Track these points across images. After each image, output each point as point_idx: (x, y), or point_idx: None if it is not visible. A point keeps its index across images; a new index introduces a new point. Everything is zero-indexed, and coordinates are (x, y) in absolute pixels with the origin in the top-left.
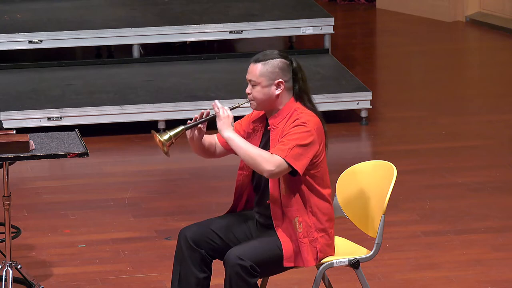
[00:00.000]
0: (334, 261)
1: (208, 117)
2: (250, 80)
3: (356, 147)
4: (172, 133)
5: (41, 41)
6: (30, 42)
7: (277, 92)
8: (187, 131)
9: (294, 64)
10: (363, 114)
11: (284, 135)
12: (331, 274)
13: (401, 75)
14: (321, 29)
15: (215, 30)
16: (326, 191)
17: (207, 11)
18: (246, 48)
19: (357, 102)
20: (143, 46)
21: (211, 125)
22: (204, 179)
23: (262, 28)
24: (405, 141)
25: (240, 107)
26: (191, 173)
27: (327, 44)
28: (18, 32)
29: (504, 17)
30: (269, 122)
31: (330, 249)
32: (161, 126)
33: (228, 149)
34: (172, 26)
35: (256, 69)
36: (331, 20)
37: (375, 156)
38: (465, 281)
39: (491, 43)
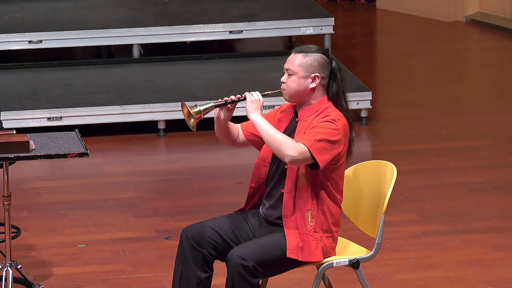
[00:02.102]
0: (334, 261)
1: (239, 99)
2: (287, 69)
3: (356, 147)
4: (202, 107)
5: (41, 41)
6: (30, 42)
7: (312, 85)
8: (215, 109)
9: (334, 64)
10: (363, 114)
11: (312, 128)
12: (331, 274)
13: (401, 75)
14: (321, 29)
15: (215, 30)
16: (339, 196)
17: (207, 11)
18: (246, 48)
19: (357, 102)
20: (143, 46)
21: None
22: (204, 179)
23: (262, 28)
24: (405, 141)
25: (271, 95)
26: (191, 173)
27: (327, 44)
28: (18, 32)
29: (504, 17)
30: (299, 114)
31: (332, 251)
32: (161, 126)
33: (250, 139)
34: (172, 26)
35: (296, 59)
36: (331, 20)
37: (375, 156)
38: (465, 281)
39: (491, 43)
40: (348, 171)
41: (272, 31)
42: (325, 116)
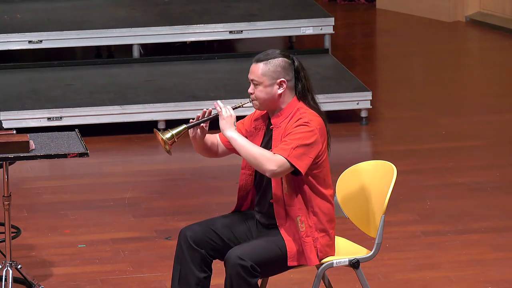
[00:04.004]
0: (334, 261)
1: (210, 116)
2: (252, 80)
3: (356, 147)
4: (174, 131)
5: (41, 41)
6: (30, 42)
7: (280, 91)
8: (189, 130)
9: (296, 63)
10: (363, 114)
11: (287, 134)
12: (331, 274)
13: (401, 75)
14: (321, 29)
15: (215, 30)
16: (328, 192)
17: (207, 11)
18: (246, 48)
19: (357, 102)
20: (143, 46)
21: (214, 125)
22: (204, 179)
23: (262, 28)
24: (405, 141)
25: (242, 107)
26: (191, 173)
27: (327, 44)
28: (18, 32)
29: (504, 17)
30: (272, 121)
31: (330, 250)
32: (161, 126)
33: (230, 148)
34: (172, 26)
35: (258, 69)
36: (331, 20)
37: (375, 156)
38: (465, 281)
39: (491, 43)
40: (348, 171)
41: (272, 31)
42: (298, 120)
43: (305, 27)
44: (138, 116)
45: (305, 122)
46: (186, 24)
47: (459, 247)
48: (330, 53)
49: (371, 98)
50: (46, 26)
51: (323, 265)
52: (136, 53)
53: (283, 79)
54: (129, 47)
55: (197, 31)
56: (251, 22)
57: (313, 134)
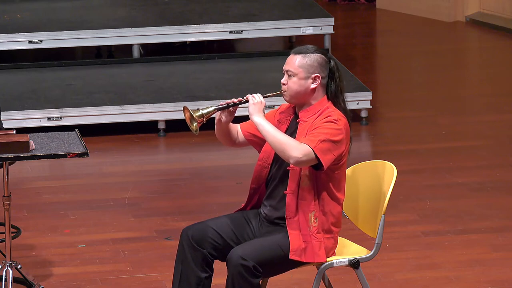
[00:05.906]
0: (334, 261)
1: (241, 102)
2: (287, 71)
3: (356, 147)
4: (204, 111)
5: (41, 41)
6: (30, 42)
7: (313, 86)
8: (217, 112)
9: (332, 63)
10: (363, 114)
11: (315, 128)
12: (331, 274)
13: (401, 75)
14: (321, 29)
15: (215, 30)
16: (340, 196)
17: (207, 11)
18: (246, 48)
19: (357, 102)
20: (143, 46)
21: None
22: (204, 179)
23: (262, 28)
24: (405, 141)
25: (272, 97)
26: (191, 173)
27: (327, 44)
28: (18, 32)
29: (504, 17)
30: (299, 115)
31: (332, 253)
32: (161, 126)
33: (249, 140)
34: (172, 26)
35: (296, 60)
36: (331, 20)
37: (375, 156)
38: (465, 281)
39: (491, 43)
40: (348, 171)
41: (272, 31)
42: (326, 117)
43: (305, 27)
44: (138, 116)
45: (334, 119)
46: (186, 24)
47: (459, 247)
48: (330, 53)
49: (371, 98)
50: (46, 26)
51: (323, 265)
52: (136, 53)
53: (318, 74)
54: (129, 47)
55: (197, 31)
56: (251, 22)
57: (340, 132)
